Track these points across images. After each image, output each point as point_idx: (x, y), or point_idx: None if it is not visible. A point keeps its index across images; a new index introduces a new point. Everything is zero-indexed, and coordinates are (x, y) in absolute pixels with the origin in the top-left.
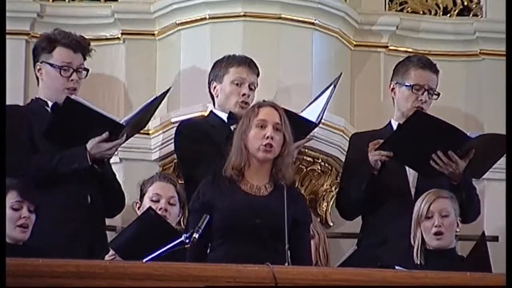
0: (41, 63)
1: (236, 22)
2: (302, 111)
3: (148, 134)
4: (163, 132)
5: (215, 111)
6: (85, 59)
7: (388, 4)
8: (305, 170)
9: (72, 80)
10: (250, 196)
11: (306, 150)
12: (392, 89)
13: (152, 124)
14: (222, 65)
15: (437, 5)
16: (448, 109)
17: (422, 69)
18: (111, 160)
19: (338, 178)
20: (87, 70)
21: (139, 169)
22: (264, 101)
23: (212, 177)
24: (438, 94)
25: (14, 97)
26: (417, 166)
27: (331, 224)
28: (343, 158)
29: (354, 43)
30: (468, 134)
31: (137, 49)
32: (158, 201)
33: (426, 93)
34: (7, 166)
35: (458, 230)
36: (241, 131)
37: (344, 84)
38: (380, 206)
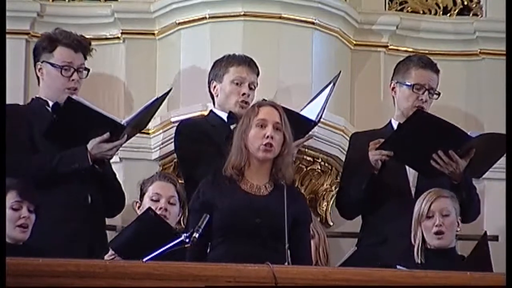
0: (42, 62)
1: (236, 21)
2: (301, 110)
3: (148, 133)
4: (163, 132)
5: (215, 110)
6: (86, 59)
7: (388, 3)
8: (305, 169)
9: (73, 80)
10: (250, 196)
11: (306, 150)
12: (393, 88)
13: (152, 124)
14: (222, 64)
15: (437, 4)
16: (448, 109)
17: (422, 69)
18: (111, 160)
19: (338, 178)
20: (88, 70)
21: (139, 168)
22: (264, 100)
23: (212, 176)
24: (439, 94)
25: (14, 97)
26: (417, 165)
27: (331, 223)
28: (343, 158)
29: (354, 42)
30: (468, 133)
31: (137, 48)
32: (158, 200)
33: (426, 92)
34: (7, 166)
35: (458, 229)
36: (241, 131)
37: (344, 84)
38: (380, 206)
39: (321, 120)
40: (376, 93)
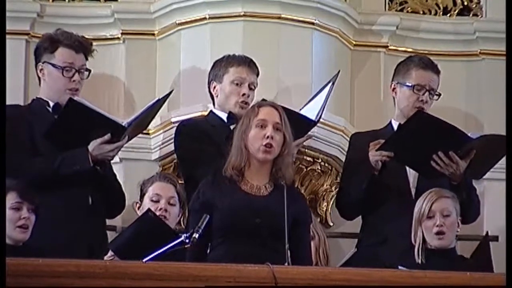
0: (43, 63)
1: (236, 22)
2: (300, 109)
3: (148, 134)
4: (163, 132)
5: (215, 110)
6: (87, 59)
7: (388, 4)
8: (305, 170)
9: (74, 80)
10: (250, 196)
11: (306, 150)
12: (393, 89)
13: (152, 124)
14: (222, 64)
15: (437, 5)
16: (448, 109)
17: (423, 70)
18: (111, 160)
19: (338, 178)
20: (89, 71)
21: (139, 169)
22: (264, 100)
23: (212, 176)
24: (439, 95)
25: (14, 97)
26: (417, 166)
27: (331, 224)
28: (343, 158)
29: (354, 43)
30: (469, 134)
31: (137, 49)
32: (158, 201)
33: (427, 93)
34: (7, 166)
35: (458, 230)
36: (241, 131)
37: (344, 84)
38: (380, 206)
39: (321, 120)
40: (376, 93)
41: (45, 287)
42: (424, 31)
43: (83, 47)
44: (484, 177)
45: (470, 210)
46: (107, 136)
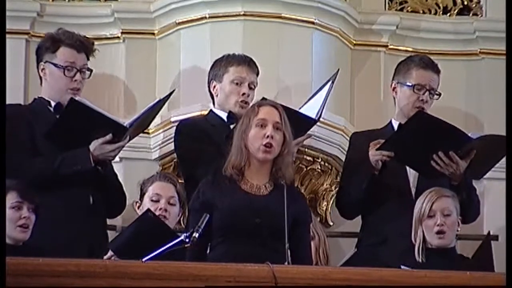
0: (44, 63)
1: (236, 21)
2: (300, 108)
3: (148, 133)
4: (163, 131)
5: (215, 110)
6: (88, 59)
7: (388, 3)
8: (305, 169)
9: (75, 80)
10: (250, 196)
11: (306, 150)
12: (394, 88)
13: (152, 124)
14: (221, 64)
15: (437, 4)
16: (448, 109)
17: (423, 69)
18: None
19: (338, 178)
20: (91, 70)
21: (139, 168)
22: (264, 99)
23: (212, 176)
24: (439, 94)
25: (14, 97)
26: (417, 166)
27: (331, 223)
28: (343, 158)
29: (354, 42)
30: (469, 135)
31: (137, 48)
32: (158, 201)
33: (427, 93)
34: (7, 166)
35: (458, 229)
36: (241, 131)
37: (344, 84)
38: (380, 206)
39: (321, 119)
40: (376, 93)
41: (45, 287)
42: (424, 30)
43: (85, 46)
44: (484, 176)
45: (470, 210)
46: (108, 136)
